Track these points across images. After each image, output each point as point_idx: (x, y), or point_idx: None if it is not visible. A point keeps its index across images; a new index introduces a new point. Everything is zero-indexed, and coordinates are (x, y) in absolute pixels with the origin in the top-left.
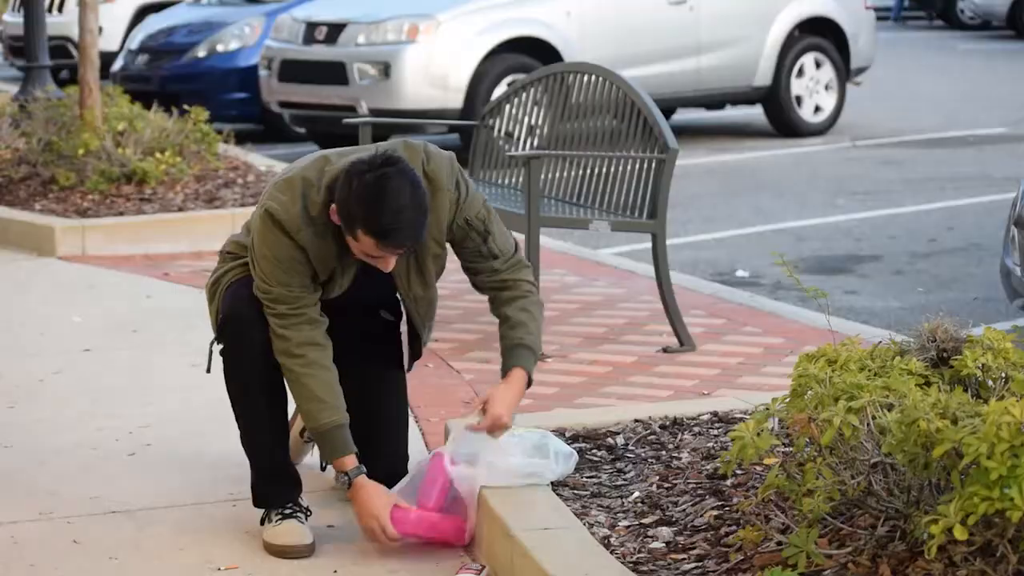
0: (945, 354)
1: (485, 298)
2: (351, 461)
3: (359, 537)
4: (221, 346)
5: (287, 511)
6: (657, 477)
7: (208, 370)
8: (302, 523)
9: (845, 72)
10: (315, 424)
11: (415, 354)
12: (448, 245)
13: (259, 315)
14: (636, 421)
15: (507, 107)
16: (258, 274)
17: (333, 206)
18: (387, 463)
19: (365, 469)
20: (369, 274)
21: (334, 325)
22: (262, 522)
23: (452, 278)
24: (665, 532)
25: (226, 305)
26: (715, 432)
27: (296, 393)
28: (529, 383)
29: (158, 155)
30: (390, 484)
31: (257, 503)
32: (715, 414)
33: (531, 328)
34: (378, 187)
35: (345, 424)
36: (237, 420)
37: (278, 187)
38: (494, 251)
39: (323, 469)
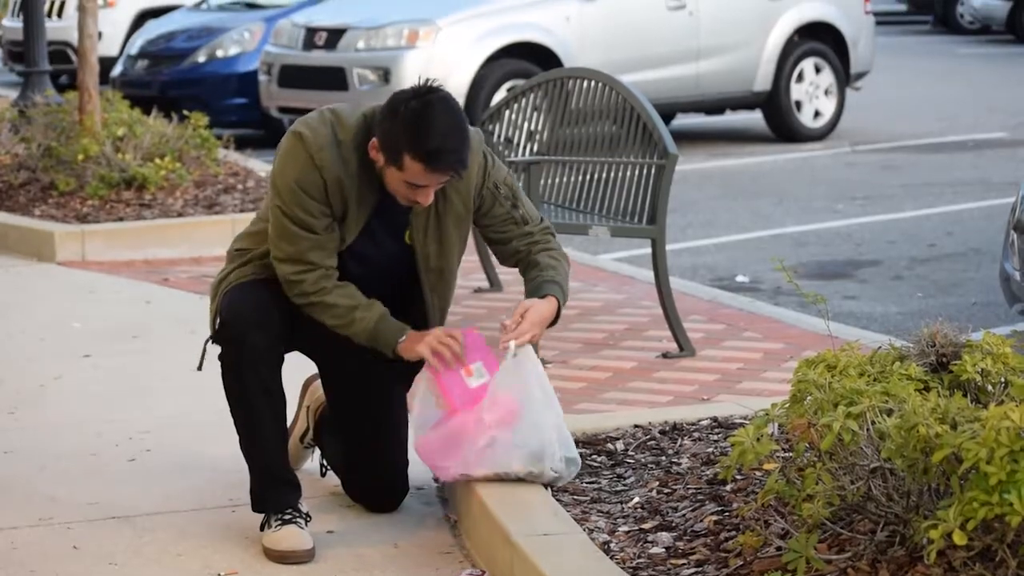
0: (944, 359)
1: (486, 303)
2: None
3: (359, 543)
4: (219, 349)
5: (286, 516)
6: (657, 482)
7: (199, 368)
8: (302, 528)
9: (845, 77)
10: (364, 326)
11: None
12: (472, 224)
13: (259, 318)
14: (636, 427)
15: (507, 112)
16: (277, 204)
17: (373, 140)
18: (387, 472)
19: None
20: (381, 230)
21: (333, 333)
22: (262, 527)
23: None
24: (665, 537)
25: (226, 307)
26: (715, 437)
27: (329, 315)
28: (557, 316)
29: (158, 160)
30: (391, 495)
31: (256, 508)
32: (715, 419)
33: (561, 273)
34: (425, 111)
35: (387, 312)
36: (236, 424)
37: (308, 115)
38: (525, 217)
39: (323, 475)
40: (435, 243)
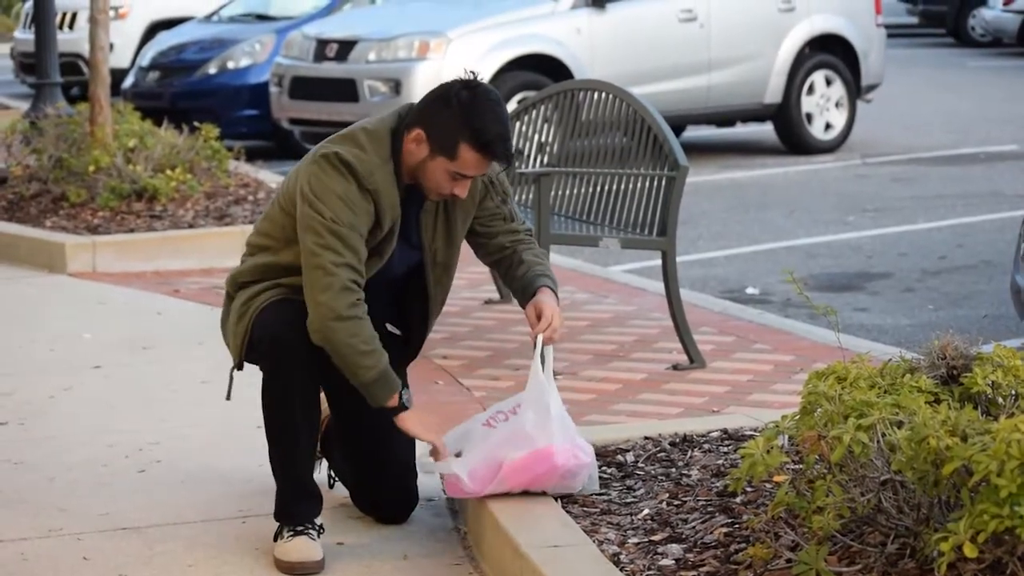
0: (955, 371)
1: (496, 315)
2: (396, 397)
3: (368, 555)
4: (265, 363)
5: (299, 528)
6: (667, 494)
7: (228, 397)
8: (313, 540)
9: (856, 89)
10: (384, 359)
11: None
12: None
13: (305, 335)
14: (646, 438)
15: (517, 124)
16: (326, 216)
17: (417, 132)
18: (395, 484)
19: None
20: (403, 236)
21: None
22: (275, 538)
23: (461, 295)
24: (675, 549)
25: (268, 326)
26: (725, 449)
27: (361, 336)
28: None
29: (168, 172)
30: (400, 507)
31: (280, 519)
32: (725, 431)
33: (549, 271)
34: (480, 101)
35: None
36: (273, 440)
37: (336, 141)
38: (513, 214)
39: (331, 487)
40: (443, 239)
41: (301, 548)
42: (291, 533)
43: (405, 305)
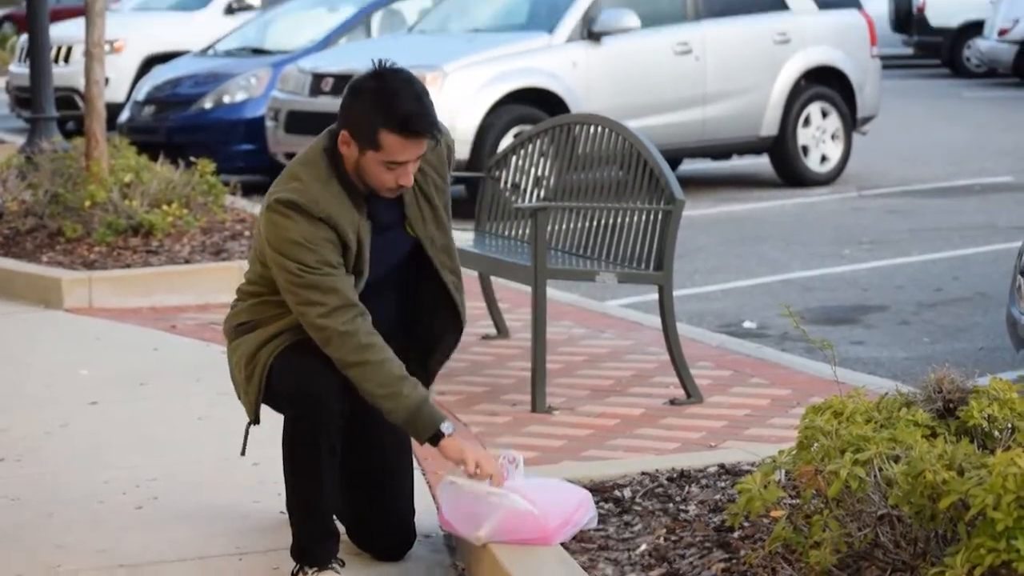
0: (951, 405)
1: (493, 350)
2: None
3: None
4: (293, 413)
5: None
6: (664, 530)
7: (243, 453)
8: (338, 574)
9: (852, 121)
10: (407, 404)
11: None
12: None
13: (335, 381)
14: (643, 474)
15: (513, 158)
16: (293, 271)
17: (342, 134)
18: (394, 522)
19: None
20: (386, 239)
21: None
22: (295, 574)
23: None
24: None
25: (289, 374)
26: (722, 484)
27: (375, 382)
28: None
29: (165, 207)
30: (398, 545)
31: (307, 561)
32: (722, 466)
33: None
34: (388, 86)
35: (429, 395)
36: (297, 483)
37: (277, 185)
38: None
39: None
40: (432, 223)
41: None
42: (315, 569)
43: (422, 299)
